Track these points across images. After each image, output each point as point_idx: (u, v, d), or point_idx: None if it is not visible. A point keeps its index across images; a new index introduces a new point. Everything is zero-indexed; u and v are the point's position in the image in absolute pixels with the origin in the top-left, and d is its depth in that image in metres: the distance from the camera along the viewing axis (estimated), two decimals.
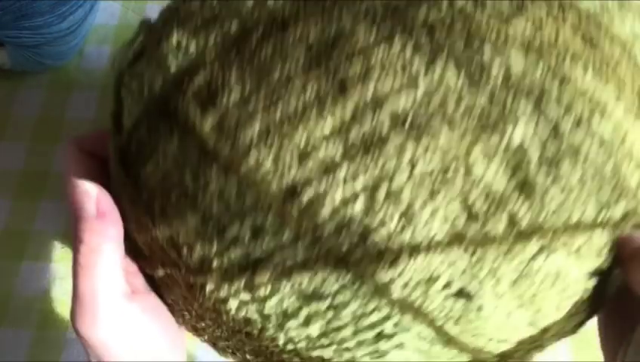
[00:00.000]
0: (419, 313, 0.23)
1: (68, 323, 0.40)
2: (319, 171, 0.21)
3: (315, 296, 0.23)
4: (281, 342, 0.24)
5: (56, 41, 0.44)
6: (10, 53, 0.45)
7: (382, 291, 0.22)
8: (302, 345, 0.24)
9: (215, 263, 0.23)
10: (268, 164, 0.22)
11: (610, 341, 0.28)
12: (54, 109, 0.47)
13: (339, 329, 0.23)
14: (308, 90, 0.21)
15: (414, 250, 0.21)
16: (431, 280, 0.22)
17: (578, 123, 0.22)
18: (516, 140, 0.21)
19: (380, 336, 0.24)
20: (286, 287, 0.23)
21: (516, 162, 0.21)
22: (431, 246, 0.21)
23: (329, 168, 0.21)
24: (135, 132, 0.24)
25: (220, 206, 0.22)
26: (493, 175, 0.21)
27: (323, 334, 0.24)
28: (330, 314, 0.23)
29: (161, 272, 0.25)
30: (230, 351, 0.26)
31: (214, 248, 0.23)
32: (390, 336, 0.24)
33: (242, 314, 0.24)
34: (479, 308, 0.23)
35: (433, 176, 0.21)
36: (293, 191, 0.22)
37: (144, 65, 0.25)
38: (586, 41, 0.22)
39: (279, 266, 0.22)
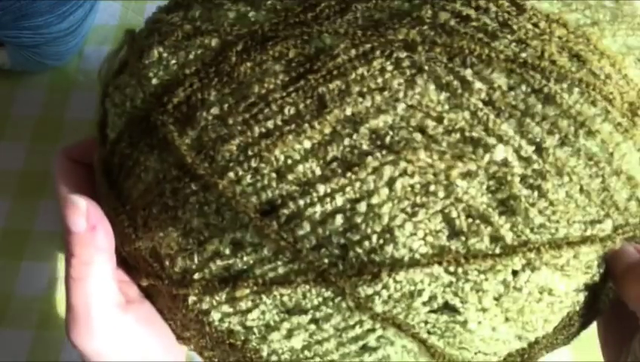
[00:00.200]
0: (402, 327, 0.22)
1: None
2: (298, 187, 0.21)
3: (297, 309, 0.23)
4: (264, 353, 0.24)
5: (56, 41, 0.44)
6: (10, 53, 0.45)
7: (363, 305, 0.22)
8: (286, 356, 0.24)
9: (196, 276, 0.23)
10: (247, 179, 0.21)
11: (611, 347, 0.28)
12: (54, 109, 0.47)
13: (322, 341, 0.23)
14: (287, 106, 0.21)
15: (395, 264, 0.21)
16: (414, 294, 0.22)
17: (563, 141, 0.21)
18: (498, 158, 0.21)
19: (364, 349, 0.24)
20: (267, 301, 0.23)
21: (499, 179, 0.21)
22: (413, 262, 0.21)
23: (308, 184, 0.21)
24: (118, 144, 0.24)
25: (200, 221, 0.22)
26: (476, 191, 0.21)
27: (306, 347, 0.24)
28: (312, 327, 0.23)
29: (145, 282, 0.25)
30: (216, 360, 0.26)
31: (195, 261, 0.23)
32: (374, 349, 0.24)
33: (225, 325, 0.24)
34: (464, 322, 0.23)
35: (414, 192, 0.21)
36: (272, 207, 0.21)
37: (127, 78, 0.25)
38: (572, 57, 0.22)
39: (260, 280, 0.22)
